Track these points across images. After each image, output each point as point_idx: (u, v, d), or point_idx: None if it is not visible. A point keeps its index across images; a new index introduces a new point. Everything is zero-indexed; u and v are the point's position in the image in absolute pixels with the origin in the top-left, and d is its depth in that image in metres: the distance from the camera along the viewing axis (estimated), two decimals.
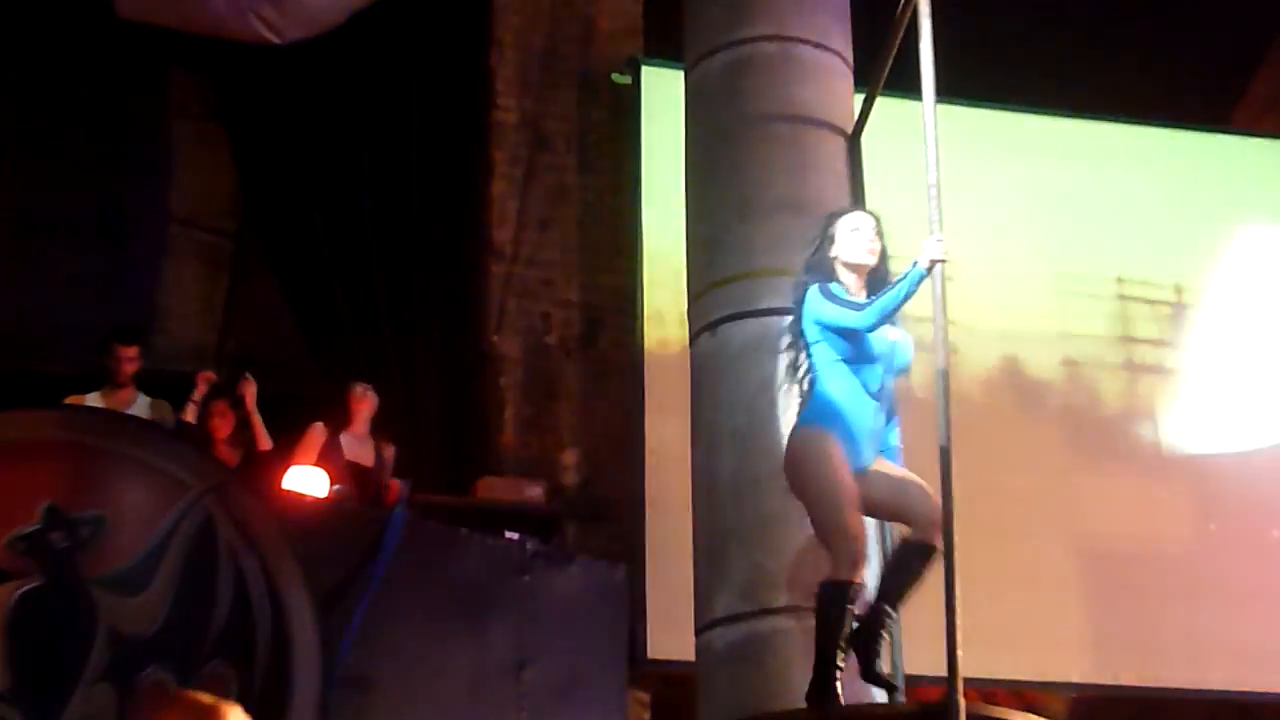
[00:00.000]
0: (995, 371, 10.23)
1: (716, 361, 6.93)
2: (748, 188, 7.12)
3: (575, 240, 9.93)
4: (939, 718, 5.24)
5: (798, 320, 6.09)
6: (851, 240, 6.03)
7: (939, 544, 5.62)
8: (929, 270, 5.78)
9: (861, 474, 5.80)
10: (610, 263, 9.83)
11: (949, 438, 5.45)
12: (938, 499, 5.65)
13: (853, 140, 7.22)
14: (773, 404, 6.53)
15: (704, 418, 6.98)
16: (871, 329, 5.92)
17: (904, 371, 6.16)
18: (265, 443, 8.21)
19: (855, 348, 5.96)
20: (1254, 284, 10.92)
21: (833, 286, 5.93)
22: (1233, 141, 11.49)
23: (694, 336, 7.14)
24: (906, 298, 5.80)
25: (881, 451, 6.02)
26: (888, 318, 5.91)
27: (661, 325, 9.35)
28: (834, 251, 6.06)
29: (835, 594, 5.73)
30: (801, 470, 5.91)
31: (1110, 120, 10.92)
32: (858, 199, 6.92)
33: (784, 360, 6.28)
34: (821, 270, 6.01)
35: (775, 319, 6.62)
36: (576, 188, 9.96)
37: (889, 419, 6.09)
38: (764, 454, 6.43)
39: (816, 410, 5.95)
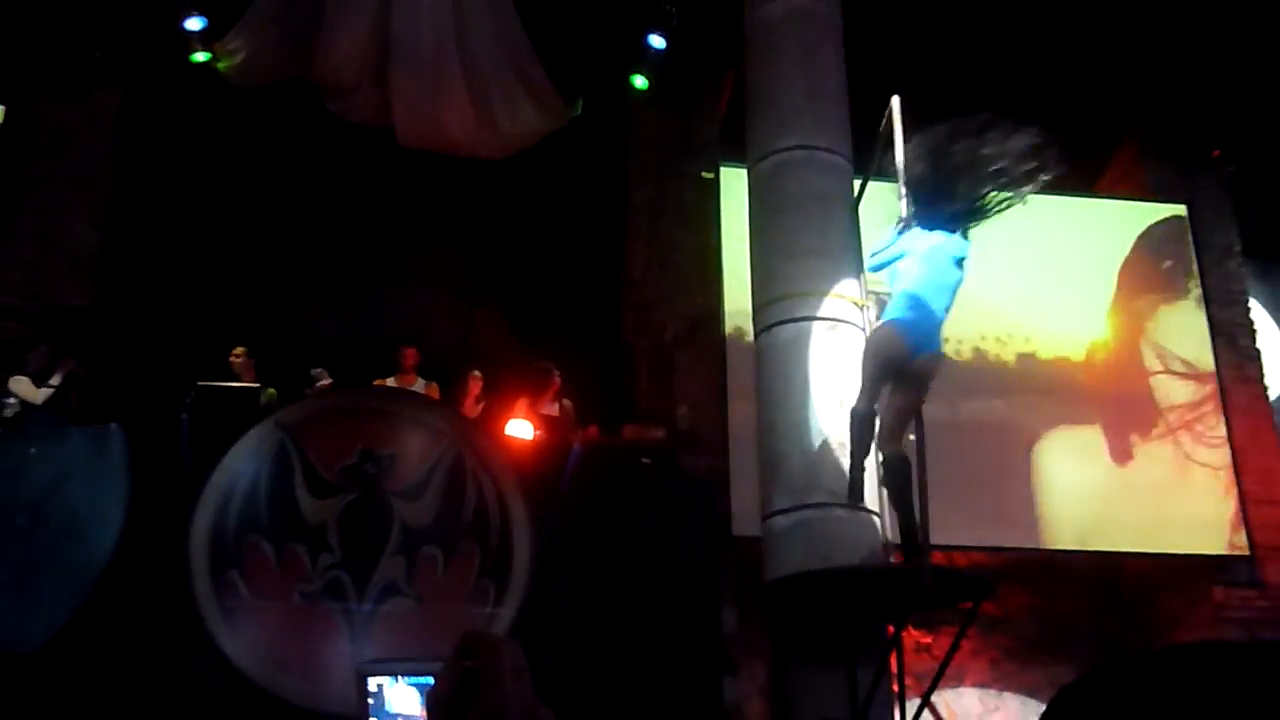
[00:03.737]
0: None
1: (771, 351, 7.03)
2: (788, 240, 7.18)
3: (681, 274, 9.81)
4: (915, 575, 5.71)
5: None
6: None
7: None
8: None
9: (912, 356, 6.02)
10: (703, 288, 9.70)
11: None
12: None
13: (853, 208, 7.25)
14: (805, 378, 6.66)
15: (764, 385, 7.10)
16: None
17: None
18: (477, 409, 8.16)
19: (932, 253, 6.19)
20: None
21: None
22: (1097, 203, 10.87)
23: (757, 335, 7.26)
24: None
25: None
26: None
27: (737, 328, 9.20)
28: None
29: (855, 420, 6.08)
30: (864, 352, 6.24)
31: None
32: (857, 245, 7.03)
33: None
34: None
35: (805, 324, 6.86)
36: (681, 242, 9.89)
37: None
38: (800, 408, 6.62)
39: (894, 305, 6.16)
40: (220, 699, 5.85)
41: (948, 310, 6.10)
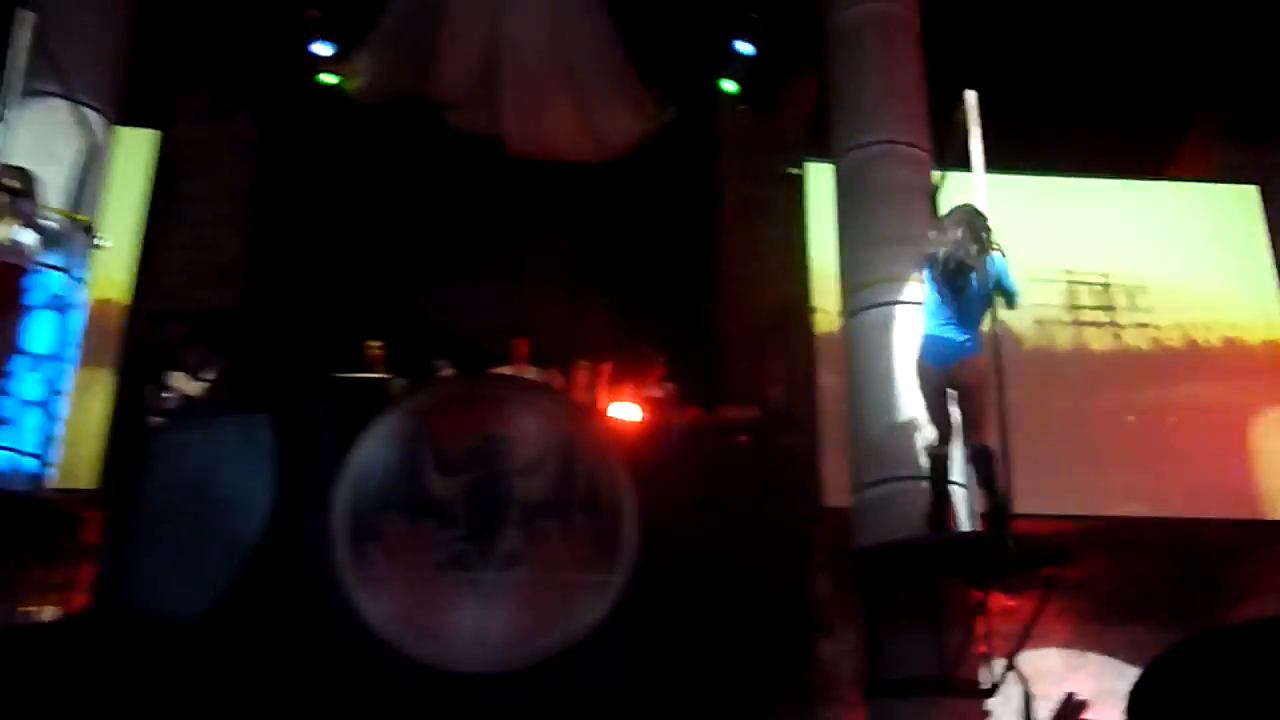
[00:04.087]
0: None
1: (858, 333, 7.07)
2: (871, 230, 7.21)
3: (770, 265, 9.75)
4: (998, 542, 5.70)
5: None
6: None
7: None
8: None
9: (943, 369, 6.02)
10: (791, 277, 9.59)
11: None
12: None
13: (933, 198, 7.19)
14: (891, 359, 6.66)
15: (853, 366, 7.13)
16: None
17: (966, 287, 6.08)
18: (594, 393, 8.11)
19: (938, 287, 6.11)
20: None
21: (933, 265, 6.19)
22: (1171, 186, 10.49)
23: (846, 319, 7.30)
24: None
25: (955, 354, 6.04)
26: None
27: (824, 314, 9.09)
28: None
29: (933, 458, 6.08)
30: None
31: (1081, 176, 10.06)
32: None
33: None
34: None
35: (891, 308, 6.88)
36: (770, 234, 9.80)
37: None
38: (887, 387, 6.63)
39: (923, 342, 6.18)
40: (359, 659, 5.94)
41: (975, 320, 6.04)
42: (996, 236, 6.10)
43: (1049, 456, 8.51)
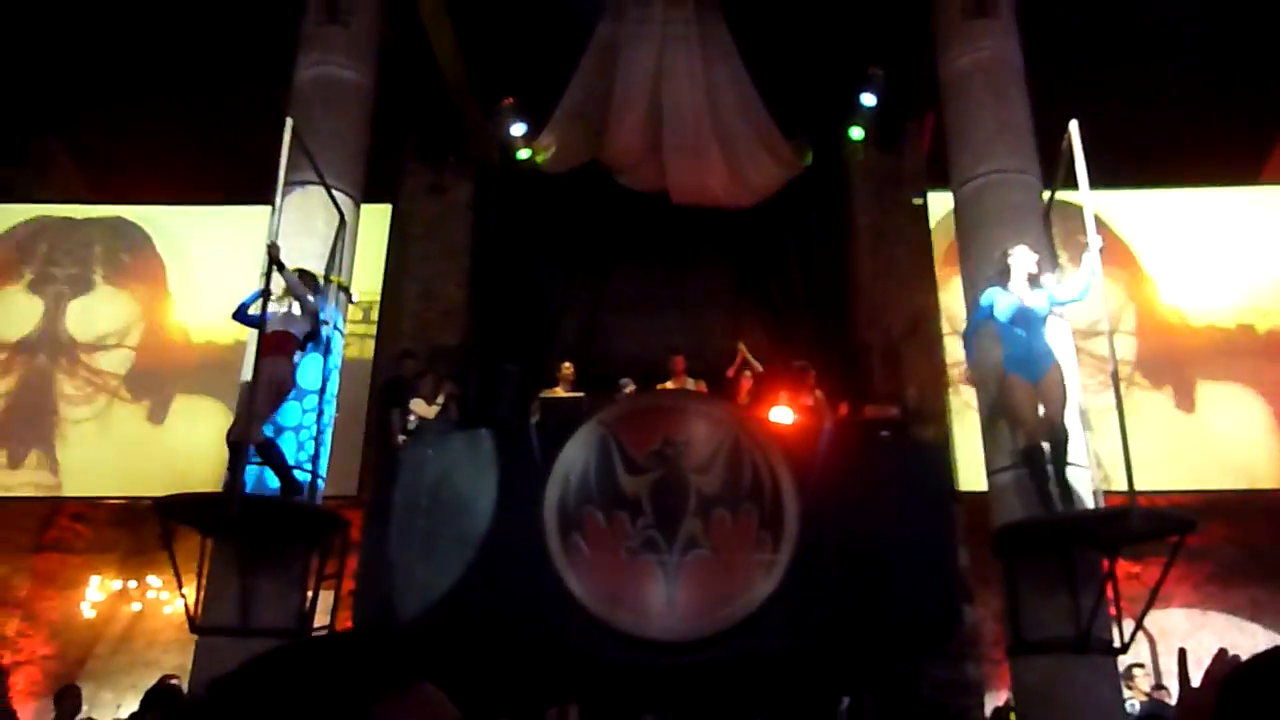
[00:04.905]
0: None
1: (981, 340, 6.72)
2: (991, 248, 6.77)
3: (901, 282, 9.59)
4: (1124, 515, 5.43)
5: (989, 307, 6.15)
6: (1015, 261, 6.10)
7: (1064, 427, 5.83)
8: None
9: (1035, 384, 5.85)
10: (920, 291, 9.45)
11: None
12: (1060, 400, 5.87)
13: (1044, 216, 6.90)
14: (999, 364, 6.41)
15: (976, 368, 6.93)
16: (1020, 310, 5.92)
17: (1043, 317, 6.01)
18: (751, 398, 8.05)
19: (1016, 314, 5.96)
20: None
21: (1006, 285, 6.06)
22: (1264, 191, 9.91)
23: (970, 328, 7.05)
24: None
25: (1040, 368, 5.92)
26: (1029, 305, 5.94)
27: (950, 321, 8.98)
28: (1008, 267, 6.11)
29: (1027, 453, 5.90)
30: (1007, 395, 6.06)
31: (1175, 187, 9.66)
32: (1050, 247, 6.71)
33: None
34: (1001, 278, 6.08)
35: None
36: (899, 256, 9.66)
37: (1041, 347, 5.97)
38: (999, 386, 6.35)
39: (1007, 358, 6.04)
40: (570, 628, 6.02)
41: (1042, 335, 5.99)
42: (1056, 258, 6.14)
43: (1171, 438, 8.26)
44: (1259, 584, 9.14)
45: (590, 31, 8.91)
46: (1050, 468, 5.90)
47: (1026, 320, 5.97)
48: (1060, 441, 5.88)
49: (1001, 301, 6.01)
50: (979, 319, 6.23)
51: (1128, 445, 5.41)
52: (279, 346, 6.03)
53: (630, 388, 8.11)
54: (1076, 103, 6.57)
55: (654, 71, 8.89)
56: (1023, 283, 6.05)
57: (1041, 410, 5.91)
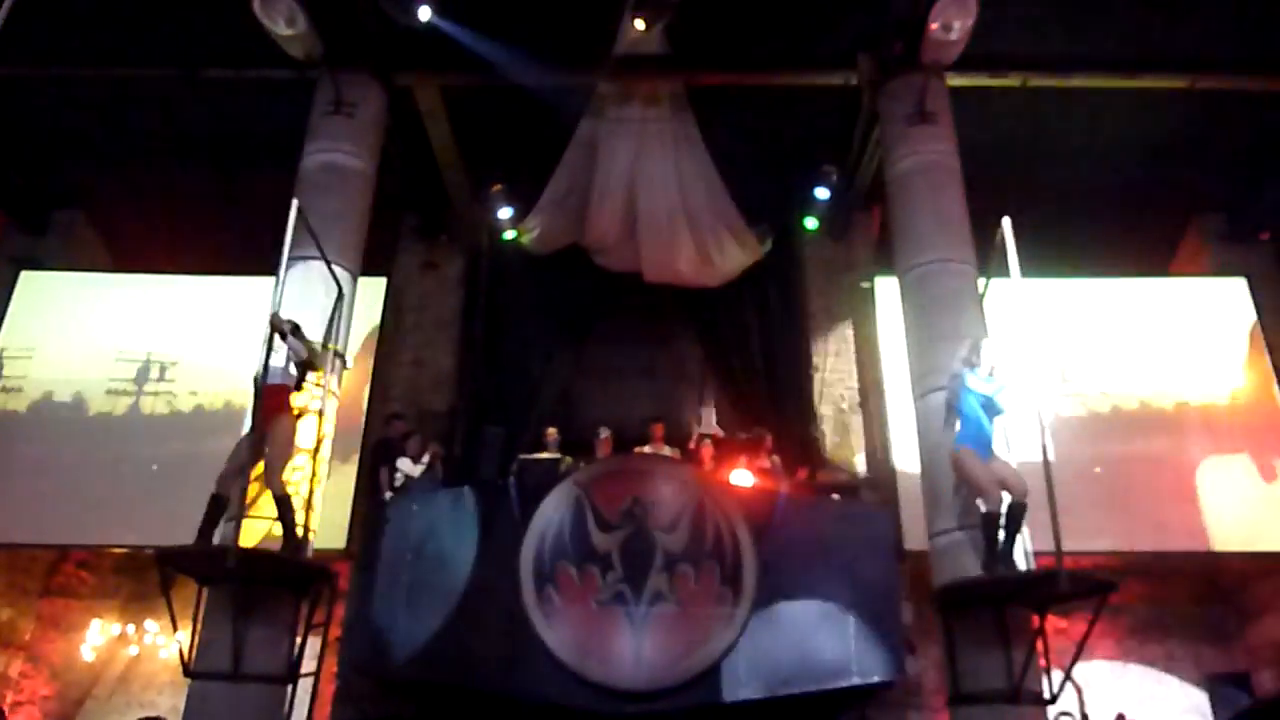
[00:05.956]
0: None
1: (925, 412, 6.90)
2: (932, 329, 7.04)
3: (850, 359, 9.56)
4: (1054, 577, 5.43)
5: (958, 388, 6.15)
6: (984, 353, 6.12)
7: (1026, 501, 5.80)
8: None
9: (986, 463, 5.90)
10: (868, 368, 9.43)
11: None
12: (1021, 478, 5.88)
13: (979, 301, 6.99)
14: (950, 433, 6.45)
15: (921, 438, 6.96)
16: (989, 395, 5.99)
17: (1002, 412, 6.11)
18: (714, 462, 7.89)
19: (983, 401, 6.02)
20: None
21: (975, 370, 6.02)
22: (1172, 282, 10.13)
23: (916, 400, 7.09)
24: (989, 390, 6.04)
25: (991, 450, 6.02)
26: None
27: (895, 396, 8.92)
28: (978, 357, 6.14)
29: (989, 518, 5.86)
30: (962, 466, 6.05)
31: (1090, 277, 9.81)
32: (983, 331, 6.78)
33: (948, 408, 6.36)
34: (971, 363, 6.08)
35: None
36: (849, 335, 9.63)
37: (993, 434, 6.05)
38: (947, 457, 6.37)
39: (964, 435, 6.07)
40: (543, 677, 5.90)
41: (993, 423, 6.10)
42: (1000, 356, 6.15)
43: (1090, 504, 8.29)
44: (1174, 638, 9.18)
45: (573, 128, 8.95)
46: (1002, 533, 5.90)
47: (989, 407, 6.05)
48: (1021, 512, 5.89)
49: (977, 388, 6.08)
50: (961, 399, 6.19)
51: (1055, 512, 5.46)
52: (281, 402, 6.02)
53: (606, 434, 8.09)
54: (1008, 201, 6.79)
55: (630, 165, 8.94)
56: (988, 373, 6.12)
57: (1004, 491, 5.95)
